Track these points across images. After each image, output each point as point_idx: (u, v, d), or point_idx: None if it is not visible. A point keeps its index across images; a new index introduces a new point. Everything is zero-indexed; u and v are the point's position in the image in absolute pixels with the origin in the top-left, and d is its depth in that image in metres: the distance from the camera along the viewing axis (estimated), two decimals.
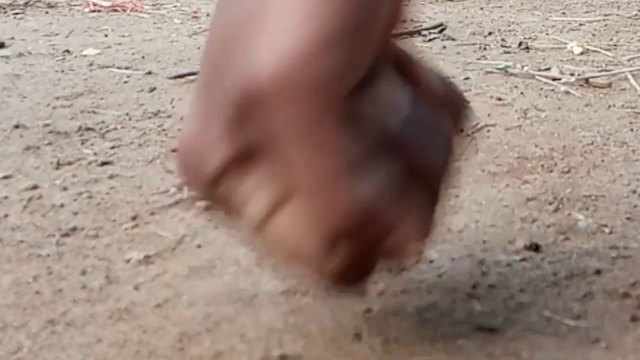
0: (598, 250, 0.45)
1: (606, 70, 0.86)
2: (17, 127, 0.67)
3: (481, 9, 1.30)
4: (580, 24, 1.14)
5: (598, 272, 0.42)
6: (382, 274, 0.42)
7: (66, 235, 0.47)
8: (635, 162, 0.59)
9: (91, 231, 0.47)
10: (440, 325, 0.37)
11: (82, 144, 0.63)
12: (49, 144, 0.63)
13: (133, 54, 0.97)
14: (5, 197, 0.52)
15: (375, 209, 0.31)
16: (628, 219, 0.49)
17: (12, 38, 1.06)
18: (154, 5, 1.35)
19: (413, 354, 0.35)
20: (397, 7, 0.34)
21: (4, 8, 1.29)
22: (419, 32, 1.08)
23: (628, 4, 1.32)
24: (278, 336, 0.36)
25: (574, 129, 0.66)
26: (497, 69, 0.86)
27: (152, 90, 0.79)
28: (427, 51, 0.98)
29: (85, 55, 0.96)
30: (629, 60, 0.91)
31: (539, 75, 0.83)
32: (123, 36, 1.09)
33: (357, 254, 0.32)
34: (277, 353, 0.35)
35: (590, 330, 0.37)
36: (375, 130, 0.33)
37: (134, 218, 0.49)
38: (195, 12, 1.27)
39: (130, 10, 1.29)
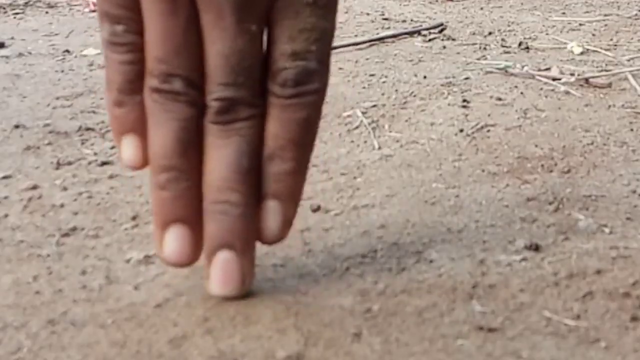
0: (598, 250, 0.45)
1: (606, 70, 0.86)
2: (17, 127, 0.67)
3: (481, 9, 1.30)
4: (580, 24, 1.15)
5: (598, 272, 0.42)
6: (382, 274, 0.42)
7: (66, 235, 0.47)
8: (635, 162, 0.59)
9: (91, 231, 0.47)
10: (440, 325, 0.37)
11: (82, 144, 0.63)
12: (49, 144, 0.63)
13: None
14: (5, 197, 0.52)
15: None
16: (628, 219, 0.49)
17: (12, 38, 1.06)
18: None
19: (413, 354, 0.35)
20: None
21: (4, 8, 1.29)
22: (419, 32, 1.08)
23: (628, 4, 1.32)
24: (278, 336, 0.36)
25: (574, 129, 0.66)
26: (497, 69, 0.87)
27: None
28: (427, 51, 0.98)
29: (85, 55, 0.96)
30: (629, 60, 0.91)
31: (539, 75, 0.83)
32: None
33: None
34: (277, 353, 0.35)
35: (590, 330, 0.37)
36: None
37: (134, 218, 0.49)
38: None
39: None
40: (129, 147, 0.40)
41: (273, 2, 0.37)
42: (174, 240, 0.38)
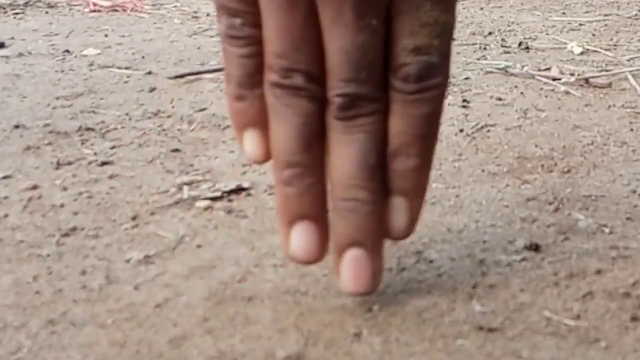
0: (598, 250, 0.45)
1: (606, 70, 0.86)
2: (17, 127, 0.67)
3: (481, 9, 1.30)
4: (580, 24, 1.14)
5: (598, 272, 0.42)
6: (382, 274, 0.42)
7: (66, 235, 0.47)
8: (635, 162, 0.59)
9: (91, 231, 0.47)
10: (440, 325, 0.37)
11: (82, 144, 0.63)
12: (49, 144, 0.63)
13: (133, 54, 0.97)
14: (5, 197, 0.52)
15: None
16: (628, 219, 0.49)
17: (12, 38, 1.06)
18: (154, 5, 1.35)
19: (413, 354, 0.35)
20: None
21: (4, 8, 1.29)
22: None
23: (628, 4, 1.32)
24: (278, 336, 0.36)
25: (574, 129, 0.66)
26: (497, 69, 0.87)
27: (152, 90, 0.79)
28: None
29: (85, 55, 0.96)
30: (629, 60, 0.91)
31: (539, 75, 0.83)
32: (123, 36, 1.09)
33: None
34: (277, 353, 0.35)
35: (590, 330, 0.37)
36: None
37: (134, 218, 0.49)
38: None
39: (130, 10, 1.29)
40: (251, 142, 0.39)
41: None
42: (301, 237, 0.38)
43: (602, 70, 0.86)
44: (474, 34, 1.08)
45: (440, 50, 0.37)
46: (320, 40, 0.36)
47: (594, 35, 1.07)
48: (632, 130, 0.66)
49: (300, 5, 0.36)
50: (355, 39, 0.35)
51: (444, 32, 0.37)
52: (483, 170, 0.57)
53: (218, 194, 0.52)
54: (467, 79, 0.83)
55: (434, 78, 0.37)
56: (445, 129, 0.66)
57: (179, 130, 0.66)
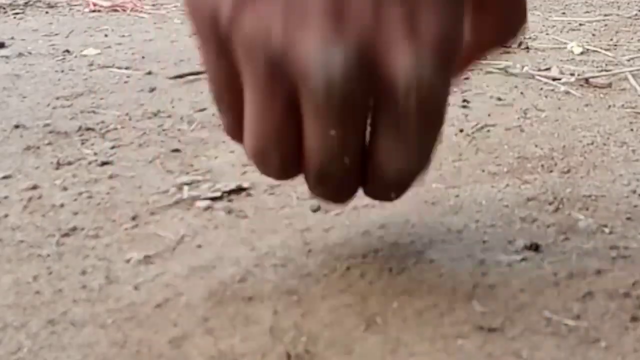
0: (598, 250, 0.45)
1: (606, 70, 0.86)
2: (17, 127, 0.67)
3: None
4: (580, 24, 1.14)
5: (598, 272, 0.42)
6: (383, 274, 0.42)
7: (66, 235, 0.47)
8: (635, 162, 0.59)
9: (91, 231, 0.47)
10: (440, 325, 0.37)
11: (82, 144, 0.63)
12: (49, 144, 0.63)
13: (133, 54, 0.97)
14: (5, 197, 0.52)
15: None
16: (628, 219, 0.49)
17: (12, 38, 1.06)
18: (154, 5, 1.35)
19: (413, 354, 0.35)
20: None
21: (4, 8, 1.29)
22: None
23: (628, 4, 1.32)
24: (278, 336, 0.36)
25: (574, 129, 0.66)
26: (497, 69, 0.87)
27: (152, 90, 0.79)
28: None
29: (85, 55, 0.96)
30: (629, 60, 0.91)
31: (539, 75, 0.83)
32: (123, 36, 1.09)
33: None
34: (277, 353, 0.35)
35: (590, 330, 0.37)
36: None
37: (134, 218, 0.49)
38: None
39: (130, 10, 1.29)
40: None
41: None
42: None
43: (602, 70, 0.86)
44: None
45: (419, 167, 0.37)
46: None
47: (594, 35, 1.07)
48: (632, 130, 0.66)
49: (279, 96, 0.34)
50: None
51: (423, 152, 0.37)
52: (483, 170, 0.57)
53: (218, 194, 0.52)
54: (467, 79, 0.83)
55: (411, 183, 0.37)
56: (446, 129, 0.66)
57: (179, 130, 0.66)
